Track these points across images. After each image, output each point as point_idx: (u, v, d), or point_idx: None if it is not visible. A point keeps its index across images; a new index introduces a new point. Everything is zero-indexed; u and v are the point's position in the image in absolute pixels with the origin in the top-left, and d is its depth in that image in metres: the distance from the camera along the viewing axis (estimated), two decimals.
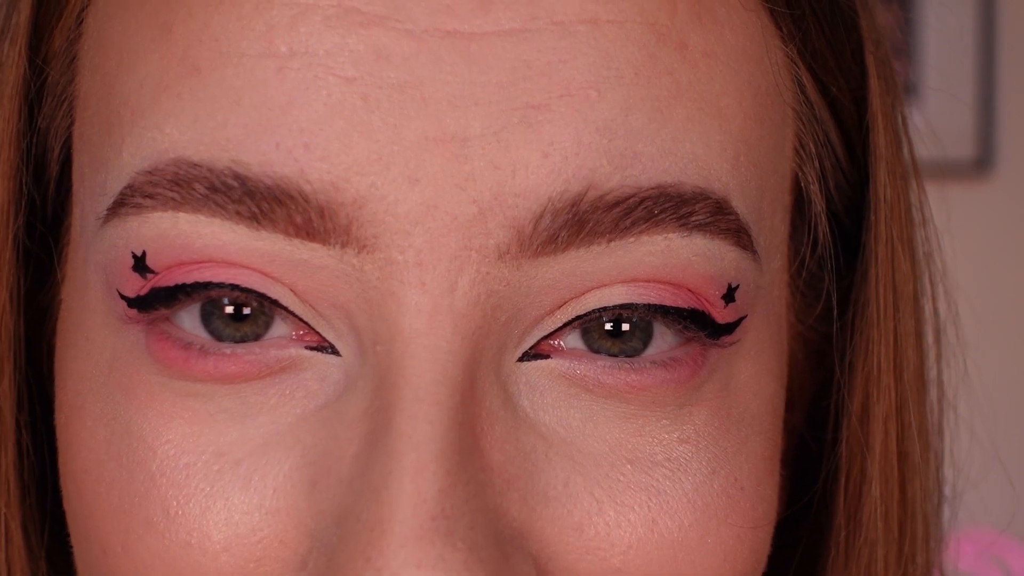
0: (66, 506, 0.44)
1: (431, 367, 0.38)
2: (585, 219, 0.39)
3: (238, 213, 0.39)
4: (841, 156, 0.47)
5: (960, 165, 1.91)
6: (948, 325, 0.52)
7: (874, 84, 0.47)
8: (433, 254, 0.38)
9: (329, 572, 0.38)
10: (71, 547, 0.45)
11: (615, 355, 0.41)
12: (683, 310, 0.40)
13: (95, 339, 0.42)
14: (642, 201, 0.39)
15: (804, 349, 0.50)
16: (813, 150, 0.46)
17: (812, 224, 0.47)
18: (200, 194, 0.39)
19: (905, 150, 0.49)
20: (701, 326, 0.41)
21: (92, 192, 0.42)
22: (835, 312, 0.48)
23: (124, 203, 0.40)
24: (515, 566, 0.39)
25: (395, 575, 0.36)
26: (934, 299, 0.51)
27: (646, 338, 0.41)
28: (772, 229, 0.44)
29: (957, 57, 1.92)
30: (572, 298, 0.40)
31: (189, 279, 0.40)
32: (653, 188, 0.39)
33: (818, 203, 0.46)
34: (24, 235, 0.46)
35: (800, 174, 0.46)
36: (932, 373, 0.51)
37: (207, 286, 0.40)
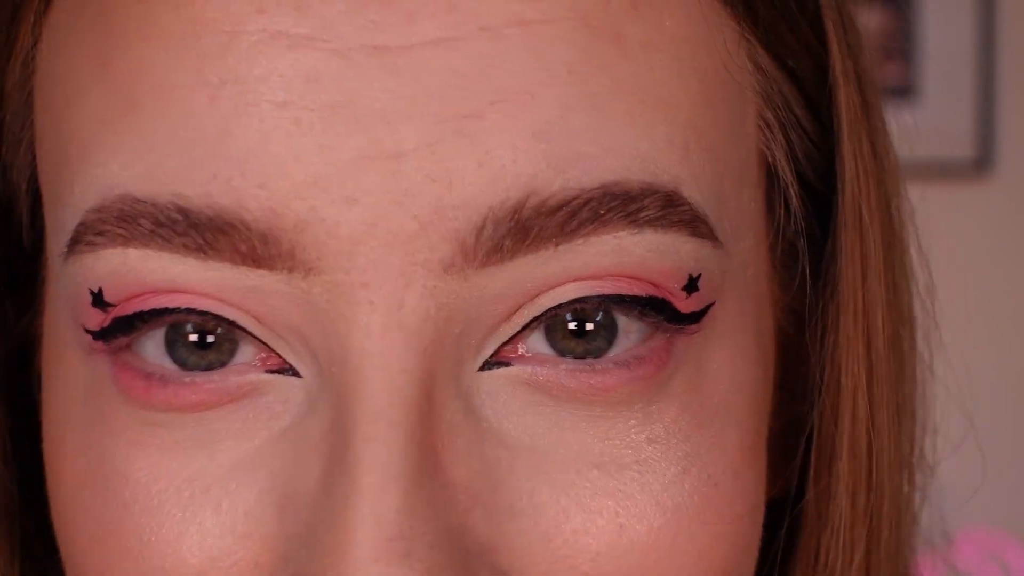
0: (55, 532, 0.44)
1: (385, 387, 0.38)
2: (528, 226, 0.38)
3: (185, 246, 0.39)
4: (808, 127, 0.47)
5: (960, 165, 1.91)
6: (926, 301, 0.51)
7: (834, 48, 0.46)
8: (378, 273, 0.38)
9: None
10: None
11: (581, 356, 0.40)
12: (641, 298, 0.40)
13: (70, 369, 0.43)
14: (587, 202, 0.39)
15: (795, 321, 0.49)
16: (776, 124, 0.45)
17: (783, 197, 0.46)
18: (146, 229, 0.39)
19: (876, 113, 0.48)
20: (660, 311, 0.40)
21: (54, 229, 0.43)
22: (807, 282, 0.47)
23: (79, 240, 0.40)
24: None
25: None
26: (907, 273, 0.50)
27: (610, 337, 0.40)
28: (739, 210, 0.43)
29: (957, 57, 1.92)
30: (526, 302, 0.40)
31: (147, 306, 0.40)
32: (597, 188, 0.39)
33: (786, 177, 0.46)
34: (6, 268, 0.46)
35: (767, 150, 0.45)
36: (911, 348, 0.50)
37: (165, 312, 0.40)
